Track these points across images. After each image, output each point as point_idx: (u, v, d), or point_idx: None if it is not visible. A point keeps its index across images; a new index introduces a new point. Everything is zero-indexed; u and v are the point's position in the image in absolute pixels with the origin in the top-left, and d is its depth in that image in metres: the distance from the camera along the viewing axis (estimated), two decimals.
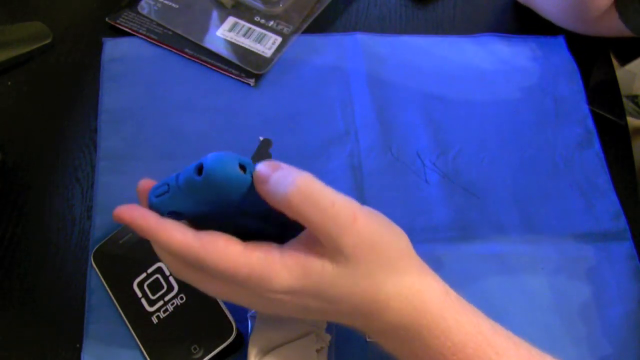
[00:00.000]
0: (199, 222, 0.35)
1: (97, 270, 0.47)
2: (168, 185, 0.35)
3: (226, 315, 0.44)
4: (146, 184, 0.36)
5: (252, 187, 0.34)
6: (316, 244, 0.33)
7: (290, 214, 0.33)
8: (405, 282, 0.35)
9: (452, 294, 0.37)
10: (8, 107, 0.56)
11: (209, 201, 0.34)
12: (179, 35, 0.60)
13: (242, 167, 0.34)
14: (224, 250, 0.33)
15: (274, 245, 0.34)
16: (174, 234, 0.33)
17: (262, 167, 0.33)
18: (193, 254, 0.33)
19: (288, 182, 0.32)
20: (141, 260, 0.47)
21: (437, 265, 0.49)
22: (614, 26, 0.55)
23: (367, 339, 0.45)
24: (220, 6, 0.62)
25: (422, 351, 0.35)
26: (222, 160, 0.33)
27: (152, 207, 0.35)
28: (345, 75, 0.58)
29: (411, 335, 0.35)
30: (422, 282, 0.36)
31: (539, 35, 0.62)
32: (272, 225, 0.36)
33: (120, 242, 0.48)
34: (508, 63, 0.60)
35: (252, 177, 0.34)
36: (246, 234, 0.35)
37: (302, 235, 0.35)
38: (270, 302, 0.35)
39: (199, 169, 0.33)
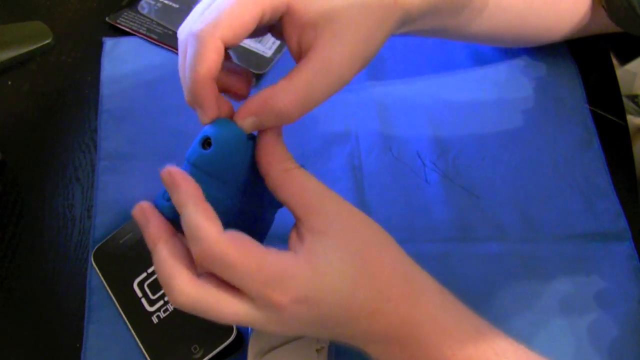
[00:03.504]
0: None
1: (97, 270, 0.47)
2: None
3: None
4: (144, 203, 0.35)
5: (253, 152, 0.34)
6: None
7: (284, 189, 0.34)
8: (399, 282, 0.34)
9: (448, 294, 0.36)
10: (8, 107, 0.56)
11: (220, 176, 0.33)
12: None
13: None
14: (250, 247, 0.31)
15: (288, 252, 0.33)
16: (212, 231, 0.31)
17: (273, 135, 0.35)
18: (221, 250, 0.31)
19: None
20: (141, 260, 0.47)
21: (437, 265, 0.49)
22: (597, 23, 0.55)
23: None
24: None
25: (422, 352, 0.34)
26: (225, 127, 0.33)
27: (162, 211, 0.34)
28: None
29: (414, 335, 0.34)
30: (416, 282, 0.35)
31: None
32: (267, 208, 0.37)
33: (121, 242, 0.48)
34: (508, 63, 0.60)
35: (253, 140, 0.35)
36: (251, 226, 0.35)
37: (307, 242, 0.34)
38: (279, 315, 0.32)
39: (204, 143, 0.33)
